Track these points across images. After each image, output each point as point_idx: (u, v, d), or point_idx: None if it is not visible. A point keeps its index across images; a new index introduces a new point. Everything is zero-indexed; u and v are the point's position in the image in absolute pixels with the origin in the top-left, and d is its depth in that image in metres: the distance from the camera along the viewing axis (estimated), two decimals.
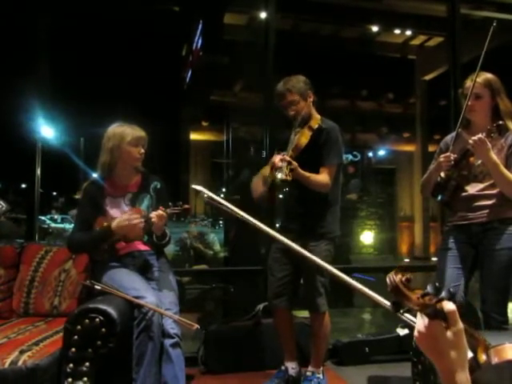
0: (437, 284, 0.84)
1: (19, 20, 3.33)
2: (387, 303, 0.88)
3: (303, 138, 2.54)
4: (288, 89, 2.60)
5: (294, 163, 2.41)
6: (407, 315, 0.91)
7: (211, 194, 1.49)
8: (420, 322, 0.86)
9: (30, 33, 3.27)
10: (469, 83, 2.28)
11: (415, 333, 0.87)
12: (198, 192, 1.52)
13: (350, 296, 5.71)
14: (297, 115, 2.58)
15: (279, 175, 2.35)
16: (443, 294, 0.83)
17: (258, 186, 2.63)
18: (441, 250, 2.42)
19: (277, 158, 2.44)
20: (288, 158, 2.41)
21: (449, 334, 0.84)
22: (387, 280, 0.85)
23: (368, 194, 14.48)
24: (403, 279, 0.85)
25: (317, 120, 2.62)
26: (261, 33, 3.71)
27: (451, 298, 0.84)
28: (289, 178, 2.35)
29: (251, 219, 1.34)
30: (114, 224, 2.26)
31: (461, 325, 0.85)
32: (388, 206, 14.91)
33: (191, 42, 14.80)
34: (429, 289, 0.84)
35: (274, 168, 2.42)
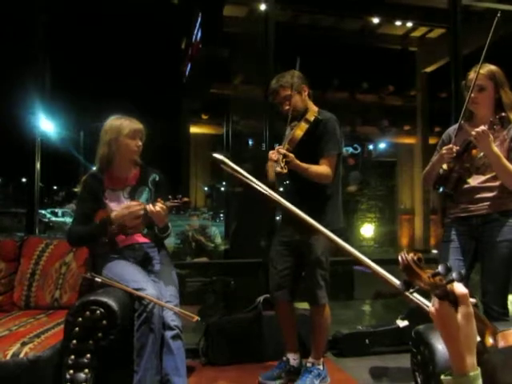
0: (448, 264, 0.84)
1: (18, 15, 3.32)
2: (397, 282, 0.88)
3: (298, 130, 2.54)
4: (281, 85, 2.60)
5: (290, 155, 2.41)
6: (418, 296, 0.91)
7: (232, 164, 1.53)
8: (433, 303, 0.87)
9: (30, 27, 3.26)
10: (472, 75, 2.26)
11: (430, 314, 0.88)
12: (220, 161, 1.55)
13: (350, 288, 5.73)
14: (292, 110, 2.58)
15: (275, 168, 2.36)
16: (453, 275, 0.83)
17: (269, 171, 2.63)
18: (442, 242, 2.42)
19: (272, 152, 2.44)
20: (283, 151, 2.40)
21: (459, 316, 0.85)
22: (399, 258, 0.86)
23: (368, 187, 14.48)
24: (415, 258, 0.85)
25: (313, 112, 2.62)
26: (260, 25, 3.69)
27: (461, 279, 0.84)
28: (284, 171, 2.35)
29: (272, 193, 1.38)
30: (113, 214, 2.27)
31: (471, 308, 0.86)
32: (388, 199, 14.90)
33: (190, 34, 14.73)
34: (440, 269, 0.84)
35: (271, 162, 2.42)
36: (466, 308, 0.85)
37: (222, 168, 1.52)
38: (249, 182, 1.41)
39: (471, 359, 0.85)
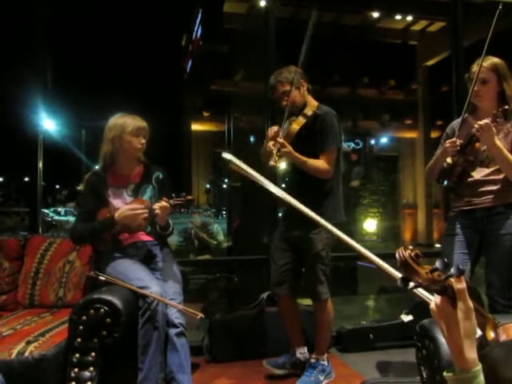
0: (445, 260, 0.84)
1: (19, 11, 3.31)
2: (398, 274, 0.88)
3: (295, 124, 2.54)
4: (279, 81, 2.60)
5: (288, 146, 2.41)
6: (421, 290, 0.91)
7: (239, 163, 1.54)
8: (434, 299, 0.87)
9: (31, 24, 3.25)
10: (475, 68, 2.24)
11: (431, 309, 0.88)
12: (228, 161, 1.58)
13: (354, 283, 5.73)
14: (291, 105, 2.57)
15: (268, 162, 2.35)
16: (452, 270, 0.83)
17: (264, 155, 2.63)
18: (446, 235, 2.41)
19: (270, 142, 2.43)
20: (281, 141, 2.40)
21: (458, 312, 0.84)
22: (396, 255, 0.85)
23: (370, 182, 14.45)
24: (412, 254, 0.85)
25: (312, 107, 2.61)
26: (261, 21, 3.68)
27: (460, 274, 0.83)
28: (277, 164, 2.35)
29: (278, 190, 1.42)
30: (117, 213, 2.26)
31: (470, 303, 0.85)
32: (391, 194, 14.87)
33: (191, 31, 14.71)
34: (438, 264, 0.84)
35: (267, 152, 2.42)
36: (465, 303, 0.85)
37: (231, 167, 1.54)
38: (256, 179, 1.43)
39: (472, 355, 0.85)
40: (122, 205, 2.38)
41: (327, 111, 2.61)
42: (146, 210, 2.27)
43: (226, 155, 1.61)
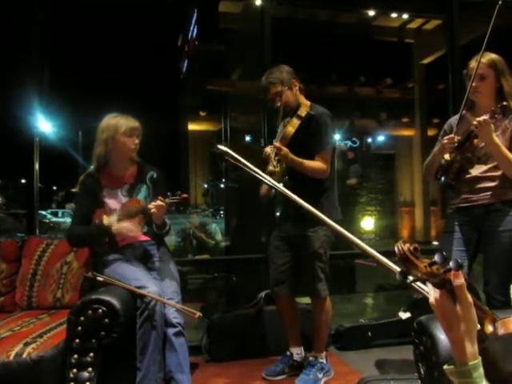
0: (444, 253, 0.84)
1: (16, 13, 3.30)
2: (397, 269, 0.89)
3: (290, 127, 2.53)
4: (271, 81, 2.58)
5: (285, 149, 2.41)
6: (420, 284, 0.91)
7: (234, 154, 1.56)
8: (433, 294, 0.87)
9: (28, 26, 3.24)
10: (473, 64, 2.23)
11: (430, 304, 0.88)
12: (223, 153, 1.60)
13: (352, 282, 5.74)
14: (284, 106, 2.56)
15: (267, 167, 2.34)
16: (451, 264, 0.83)
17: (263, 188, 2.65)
18: (445, 232, 2.41)
19: (267, 147, 2.43)
20: (277, 145, 2.40)
21: (458, 306, 0.85)
22: (395, 249, 0.86)
23: (368, 180, 14.46)
24: (411, 248, 0.85)
25: (305, 107, 2.60)
26: (256, 20, 3.68)
27: (459, 268, 0.84)
28: (276, 170, 2.35)
29: (273, 181, 1.45)
30: (114, 228, 2.27)
31: (469, 298, 0.86)
32: (388, 192, 14.90)
33: (186, 31, 14.72)
34: (436, 258, 0.84)
35: (265, 158, 2.42)
36: (464, 297, 0.85)
37: (226, 159, 1.55)
38: (251, 172, 1.44)
39: (472, 348, 0.85)
40: (118, 205, 2.38)
41: (321, 112, 2.60)
42: (140, 231, 2.31)
43: (222, 147, 1.62)
